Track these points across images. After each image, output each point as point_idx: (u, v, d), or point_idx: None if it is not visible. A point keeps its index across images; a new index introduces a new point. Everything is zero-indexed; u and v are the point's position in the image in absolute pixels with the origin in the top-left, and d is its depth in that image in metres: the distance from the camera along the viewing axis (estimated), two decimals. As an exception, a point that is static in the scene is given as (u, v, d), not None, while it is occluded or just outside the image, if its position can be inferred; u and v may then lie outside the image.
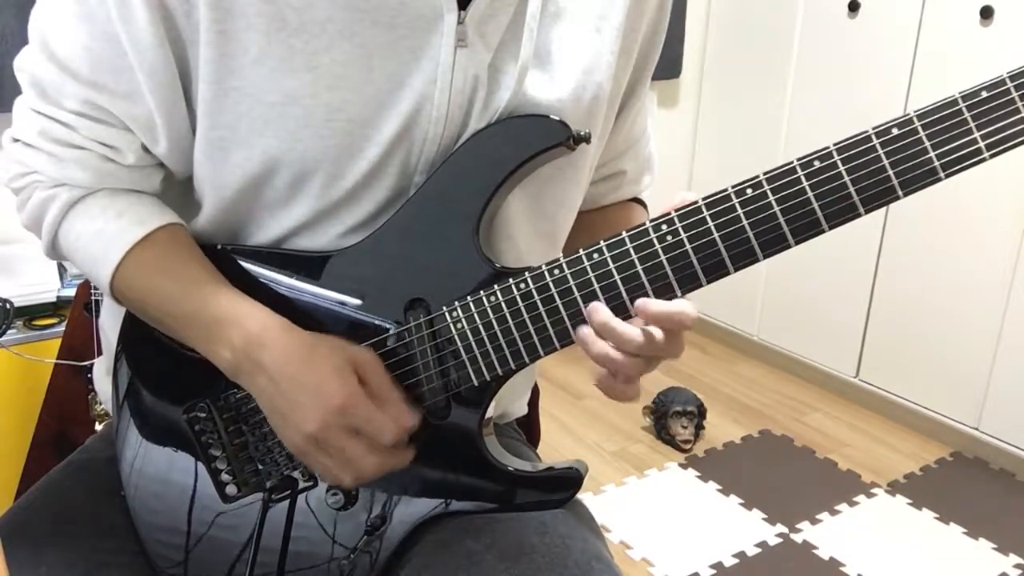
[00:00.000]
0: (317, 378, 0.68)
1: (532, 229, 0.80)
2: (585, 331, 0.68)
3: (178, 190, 0.80)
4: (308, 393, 0.68)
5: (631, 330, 0.66)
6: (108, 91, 0.71)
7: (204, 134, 0.72)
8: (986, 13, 2.13)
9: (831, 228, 0.66)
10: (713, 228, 0.67)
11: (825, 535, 2.02)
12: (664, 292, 0.68)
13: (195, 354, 0.74)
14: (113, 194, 0.76)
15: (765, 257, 0.67)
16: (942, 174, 0.63)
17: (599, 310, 0.68)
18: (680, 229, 0.67)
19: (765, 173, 0.66)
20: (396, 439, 0.69)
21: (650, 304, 0.67)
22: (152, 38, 0.68)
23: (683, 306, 0.67)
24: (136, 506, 0.80)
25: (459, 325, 0.72)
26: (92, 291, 1.54)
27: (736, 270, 0.67)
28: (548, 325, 0.71)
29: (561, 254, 0.71)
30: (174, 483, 0.79)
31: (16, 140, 0.76)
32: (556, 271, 0.70)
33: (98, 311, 1.52)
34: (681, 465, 2.30)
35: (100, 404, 1.59)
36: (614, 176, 0.92)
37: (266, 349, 0.69)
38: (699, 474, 2.26)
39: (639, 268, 0.68)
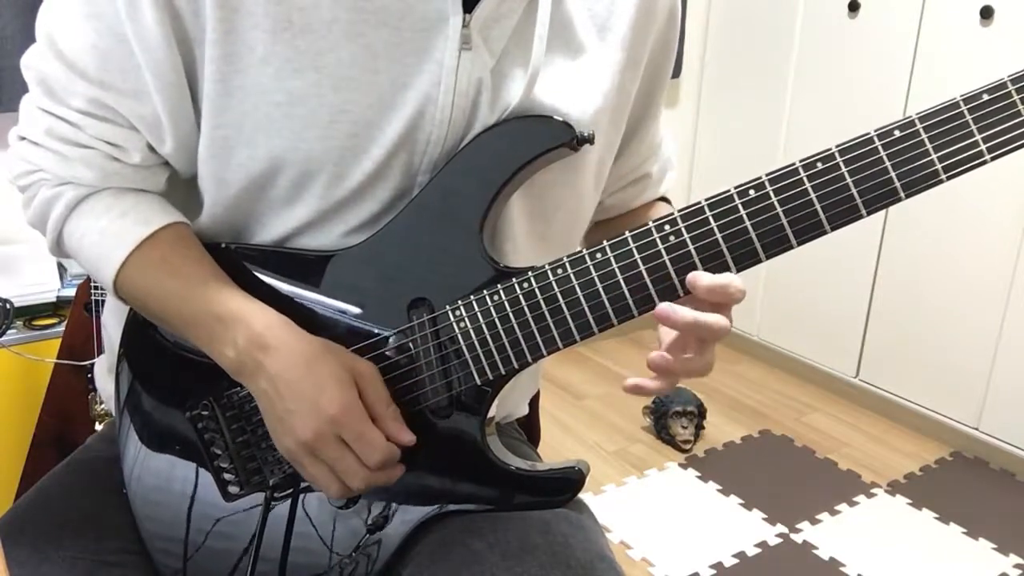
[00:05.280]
0: (316, 387, 0.68)
1: (533, 231, 0.80)
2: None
3: (183, 189, 0.80)
4: (305, 401, 0.68)
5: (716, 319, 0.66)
6: (115, 90, 0.71)
7: (208, 133, 0.72)
8: (986, 13, 2.13)
9: (833, 229, 0.66)
10: (716, 228, 0.67)
11: (825, 535, 2.02)
12: (667, 292, 0.69)
13: (197, 355, 0.74)
14: (118, 193, 0.76)
15: (768, 258, 0.67)
16: (944, 176, 0.64)
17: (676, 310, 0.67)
18: (683, 229, 0.68)
19: (768, 174, 0.66)
20: (383, 460, 0.69)
21: (701, 277, 0.66)
22: (160, 37, 0.68)
23: (731, 278, 0.67)
24: (137, 510, 0.80)
25: (462, 324, 0.72)
26: (92, 291, 1.54)
27: (739, 271, 0.68)
28: (551, 324, 0.71)
29: (565, 255, 0.71)
30: (174, 489, 0.79)
31: (23, 138, 0.76)
32: (559, 271, 0.70)
33: (99, 311, 1.52)
34: (681, 465, 2.31)
35: (100, 404, 1.59)
36: (640, 180, 0.94)
37: (269, 351, 0.69)
38: (699, 474, 2.26)
39: (642, 268, 0.69)
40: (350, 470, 0.69)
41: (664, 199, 0.98)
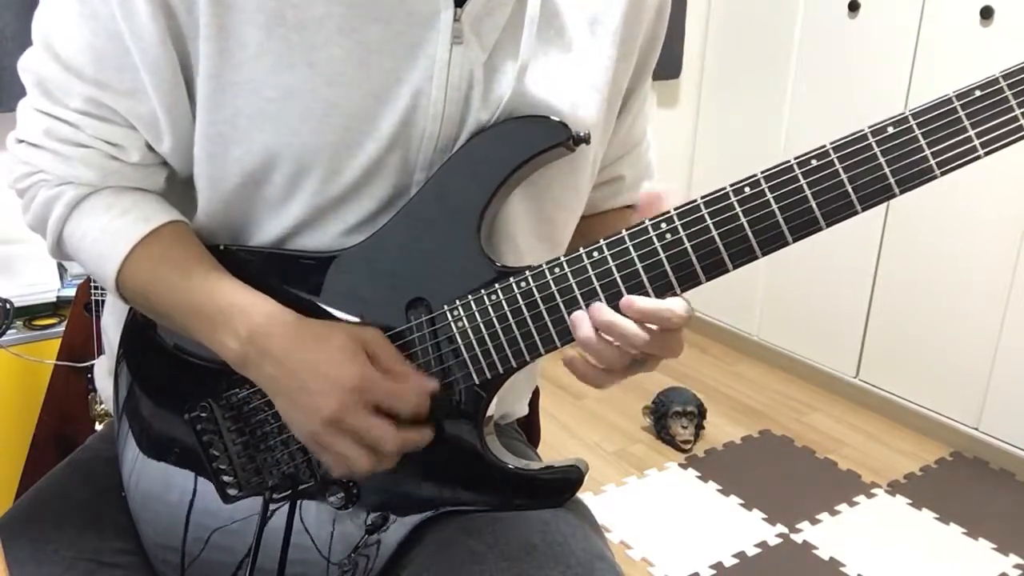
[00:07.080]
0: (327, 361, 0.68)
1: (531, 230, 0.80)
2: (586, 332, 0.69)
3: (180, 190, 0.80)
4: (320, 377, 0.68)
5: (634, 328, 0.67)
6: (112, 89, 0.72)
7: (203, 129, 0.72)
8: (986, 13, 2.13)
9: (829, 226, 0.66)
10: (712, 226, 0.67)
11: (825, 535, 2.02)
12: (664, 290, 0.69)
13: (196, 357, 0.75)
14: (118, 192, 0.76)
15: (764, 255, 0.67)
16: (938, 172, 0.64)
17: (601, 310, 0.68)
18: (679, 227, 0.68)
19: (763, 172, 0.66)
20: (419, 406, 0.70)
21: (636, 301, 0.68)
22: (155, 35, 0.69)
23: (672, 304, 0.67)
24: (135, 513, 0.80)
25: (460, 324, 0.72)
26: (92, 291, 1.55)
27: (735, 267, 0.68)
28: (549, 323, 0.71)
29: (562, 255, 0.71)
30: (172, 491, 0.79)
31: (21, 141, 0.76)
32: (556, 270, 0.70)
33: (99, 311, 1.53)
34: (681, 465, 2.31)
35: (100, 404, 1.59)
36: (612, 182, 0.92)
37: (272, 337, 0.69)
38: (699, 474, 2.26)
39: (639, 266, 0.69)
40: (382, 434, 0.68)
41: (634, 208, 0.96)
